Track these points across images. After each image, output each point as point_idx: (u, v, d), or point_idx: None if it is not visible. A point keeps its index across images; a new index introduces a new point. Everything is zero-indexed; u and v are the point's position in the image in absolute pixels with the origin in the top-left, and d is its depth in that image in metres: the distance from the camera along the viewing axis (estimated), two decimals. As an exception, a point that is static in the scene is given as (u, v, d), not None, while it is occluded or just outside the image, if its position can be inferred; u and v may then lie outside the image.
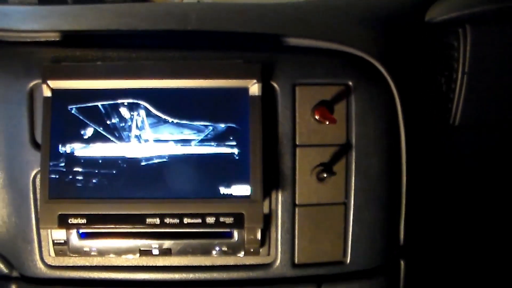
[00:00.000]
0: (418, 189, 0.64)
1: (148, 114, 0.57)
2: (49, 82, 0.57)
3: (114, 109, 0.57)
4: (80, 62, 0.58)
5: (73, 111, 0.57)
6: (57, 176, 0.56)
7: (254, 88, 0.57)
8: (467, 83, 0.64)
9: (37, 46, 0.60)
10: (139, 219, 0.57)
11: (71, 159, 0.57)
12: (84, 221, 0.57)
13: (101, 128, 0.57)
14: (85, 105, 0.57)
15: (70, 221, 0.56)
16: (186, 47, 0.59)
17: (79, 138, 0.57)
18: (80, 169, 0.57)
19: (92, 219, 0.57)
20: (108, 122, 0.57)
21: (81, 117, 0.57)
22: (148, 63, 0.58)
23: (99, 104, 0.57)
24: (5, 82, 0.59)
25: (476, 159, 0.69)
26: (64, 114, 0.57)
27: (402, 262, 0.65)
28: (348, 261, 0.62)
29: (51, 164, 0.56)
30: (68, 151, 0.57)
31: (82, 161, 0.57)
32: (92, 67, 0.58)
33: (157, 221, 0.56)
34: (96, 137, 0.57)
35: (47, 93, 0.57)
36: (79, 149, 0.57)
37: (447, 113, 0.65)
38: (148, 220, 0.57)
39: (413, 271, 0.65)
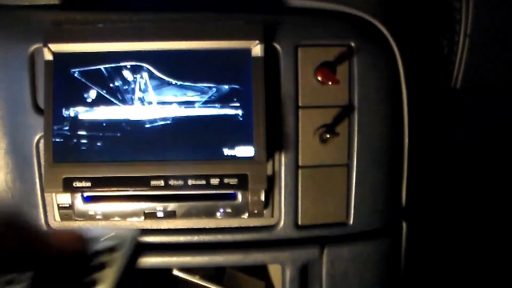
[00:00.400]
0: (420, 151, 0.64)
1: (151, 76, 0.57)
2: (50, 45, 0.56)
3: (116, 72, 0.57)
4: (81, 25, 0.58)
5: (75, 74, 0.57)
6: (61, 140, 0.57)
7: (257, 49, 0.57)
8: (469, 45, 0.64)
9: (37, 9, 0.59)
10: (144, 181, 0.57)
11: (75, 122, 0.57)
12: (89, 184, 0.57)
13: (104, 91, 0.57)
14: (87, 68, 0.57)
15: (75, 184, 0.57)
16: (188, 9, 0.59)
17: (82, 102, 0.57)
18: (83, 133, 0.57)
19: (97, 182, 0.57)
20: (111, 85, 0.57)
21: (83, 80, 0.57)
22: (150, 25, 0.58)
23: (101, 67, 0.57)
24: (5, 47, 0.59)
25: (478, 123, 0.69)
26: (66, 78, 0.57)
27: (404, 224, 0.65)
28: (351, 222, 0.63)
29: (54, 128, 0.56)
30: (71, 114, 0.57)
31: (86, 124, 0.57)
32: (94, 29, 0.57)
33: (162, 183, 0.57)
34: (99, 100, 0.57)
35: (49, 56, 0.57)
36: (82, 113, 0.57)
37: (449, 75, 0.66)
38: (153, 182, 0.57)
39: (415, 232, 0.66)
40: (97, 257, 0.32)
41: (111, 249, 0.32)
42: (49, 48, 0.56)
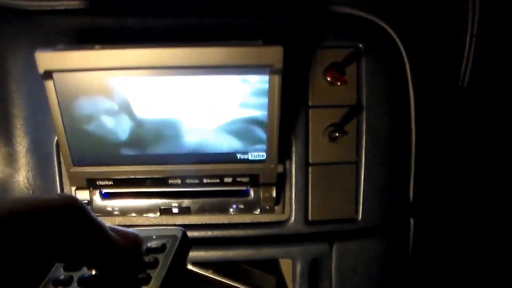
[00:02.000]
0: (427, 149, 0.66)
1: (166, 83, 0.57)
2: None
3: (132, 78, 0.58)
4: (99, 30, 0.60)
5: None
6: (78, 145, 0.58)
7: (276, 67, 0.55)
8: (476, 45, 0.65)
9: (57, 14, 0.61)
10: (162, 180, 0.60)
11: (89, 129, 0.57)
12: (111, 183, 0.60)
13: (119, 97, 0.58)
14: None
15: (98, 183, 0.60)
16: (199, 13, 0.61)
17: (97, 109, 0.58)
18: (101, 137, 0.57)
19: (119, 182, 0.60)
20: (127, 91, 0.58)
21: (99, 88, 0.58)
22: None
23: (115, 73, 0.58)
24: (27, 51, 0.61)
25: (485, 120, 0.71)
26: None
27: (411, 220, 0.67)
28: (360, 218, 0.65)
29: (69, 135, 0.57)
30: (85, 122, 0.57)
31: (103, 129, 0.57)
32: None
33: (178, 181, 0.59)
34: (115, 107, 0.58)
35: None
36: (97, 119, 0.57)
37: (456, 75, 0.67)
38: (170, 181, 0.59)
39: (422, 228, 0.68)
40: (148, 255, 0.34)
41: (160, 248, 0.34)
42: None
